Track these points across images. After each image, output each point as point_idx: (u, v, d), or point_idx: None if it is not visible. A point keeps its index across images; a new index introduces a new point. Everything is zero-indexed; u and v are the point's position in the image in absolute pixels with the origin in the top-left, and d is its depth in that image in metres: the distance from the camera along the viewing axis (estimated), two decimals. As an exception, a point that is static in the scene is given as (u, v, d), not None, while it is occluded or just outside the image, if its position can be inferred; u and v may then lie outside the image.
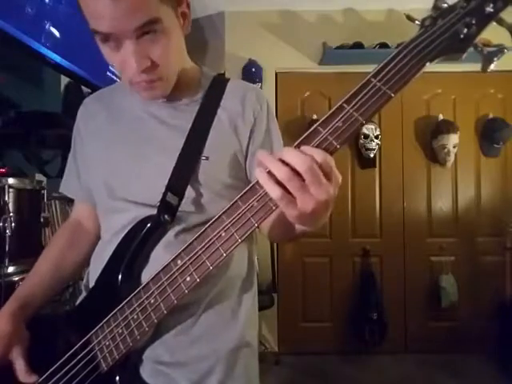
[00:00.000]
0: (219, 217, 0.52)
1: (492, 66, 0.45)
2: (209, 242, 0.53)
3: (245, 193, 0.50)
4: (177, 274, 0.55)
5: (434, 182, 2.86)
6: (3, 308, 0.71)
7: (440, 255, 2.80)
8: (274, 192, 0.44)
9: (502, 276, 2.70)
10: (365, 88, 0.44)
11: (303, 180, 0.43)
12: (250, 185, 0.50)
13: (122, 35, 0.58)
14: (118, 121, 0.75)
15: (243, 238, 0.51)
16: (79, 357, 0.63)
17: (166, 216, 0.65)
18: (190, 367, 0.67)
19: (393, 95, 0.44)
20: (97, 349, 0.62)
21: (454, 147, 2.70)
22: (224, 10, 2.81)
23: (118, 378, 0.62)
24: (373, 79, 0.44)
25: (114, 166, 0.72)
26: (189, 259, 0.54)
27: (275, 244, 2.73)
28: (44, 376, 0.65)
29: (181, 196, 0.66)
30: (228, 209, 0.51)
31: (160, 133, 0.71)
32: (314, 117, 2.73)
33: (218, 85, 0.76)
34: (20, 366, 0.66)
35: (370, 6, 2.76)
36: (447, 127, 2.69)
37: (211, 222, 0.53)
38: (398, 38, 2.66)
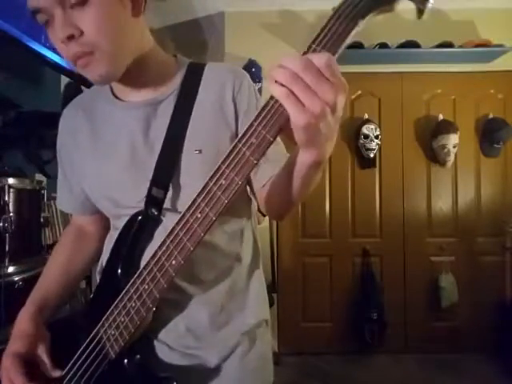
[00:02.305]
0: (194, 199, 0.55)
1: (425, 12, 0.45)
2: (187, 224, 0.56)
3: (214, 172, 0.53)
4: (163, 258, 0.58)
5: (434, 182, 2.86)
6: (22, 312, 0.74)
7: (440, 255, 2.80)
8: (278, 91, 0.44)
9: (502, 276, 2.70)
10: (307, 53, 0.46)
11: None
12: (217, 165, 0.53)
13: (51, 7, 0.58)
14: (102, 131, 0.74)
15: (217, 216, 0.53)
16: (91, 347, 0.67)
17: (153, 210, 0.67)
18: (216, 346, 0.72)
19: (332, 56, 0.45)
20: (104, 338, 0.66)
21: (454, 147, 2.70)
22: (224, 10, 2.81)
23: (126, 361, 0.65)
24: (312, 44, 0.46)
25: (110, 181, 0.72)
26: (172, 243, 0.57)
27: (275, 244, 2.73)
28: (65, 370, 0.69)
29: (165, 189, 0.67)
30: (201, 191, 0.54)
31: (145, 135, 0.70)
32: (314, 117, 2.72)
33: (194, 72, 0.74)
34: (46, 362, 0.70)
35: (370, 6, 2.76)
36: (447, 127, 2.69)
37: (188, 204, 0.55)
38: (398, 37, 2.66)
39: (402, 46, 2.62)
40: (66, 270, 0.83)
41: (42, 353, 0.70)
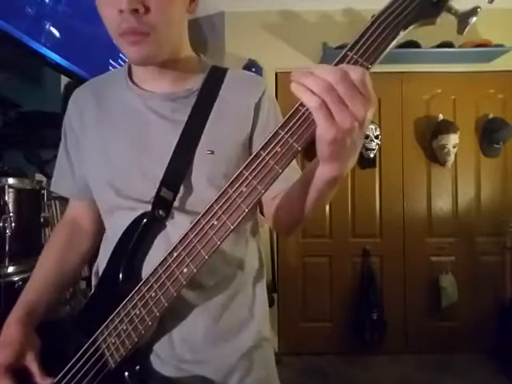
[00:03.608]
0: (210, 206, 0.52)
1: (467, 29, 0.44)
2: (202, 231, 0.53)
3: (234, 179, 0.50)
4: (173, 266, 0.56)
5: (434, 182, 2.85)
6: (11, 316, 0.70)
7: (440, 255, 2.80)
8: (312, 101, 0.42)
9: (502, 276, 2.70)
10: (342, 62, 0.45)
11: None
12: (239, 170, 0.50)
13: None
14: (114, 115, 0.72)
15: (235, 225, 0.51)
16: (88, 355, 0.64)
17: (160, 211, 0.65)
18: (212, 365, 0.68)
19: (370, 67, 0.44)
20: (104, 346, 0.63)
21: (454, 147, 2.70)
22: (224, 10, 2.81)
23: (126, 373, 0.63)
24: (349, 52, 0.45)
25: (115, 166, 0.70)
26: (184, 250, 0.55)
27: (275, 244, 2.73)
28: (58, 377, 0.66)
29: (175, 191, 0.65)
30: (218, 197, 0.52)
31: (161, 128, 0.69)
32: (314, 117, 2.73)
33: (217, 75, 0.74)
34: (35, 369, 0.66)
35: (370, 6, 2.76)
36: (447, 127, 2.69)
37: (203, 211, 0.53)
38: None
39: (402, 45, 2.62)
40: (59, 267, 0.78)
41: (31, 361, 0.67)
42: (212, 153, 0.67)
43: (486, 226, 2.81)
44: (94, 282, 0.78)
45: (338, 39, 2.71)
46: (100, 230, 0.81)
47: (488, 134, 2.76)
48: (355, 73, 0.42)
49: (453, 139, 2.68)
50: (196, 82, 0.72)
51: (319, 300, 2.84)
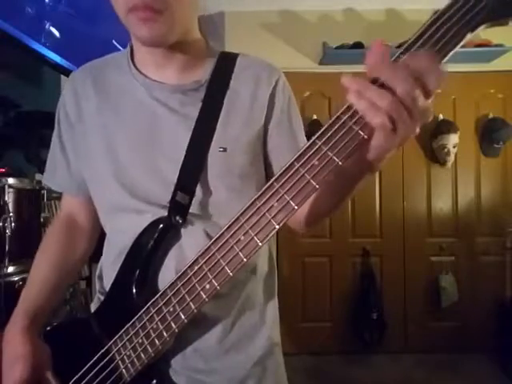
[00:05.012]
0: (237, 218, 0.48)
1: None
2: (227, 246, 0.49)
3: (263, 191, 0.46)
4: (194, 281, 0.52)
5: (434, 182, 2.85)
6: (12, 328, 0.65)
7: (440, 255, 2.80)
8: (380, 120, 0.37)
9: (502, 276, 2.70)
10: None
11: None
12: (269, 182, 0.46)
13: None
14: (116, 103, 0.67)
15: (265, 242, 0.46)
16: (100, 366, 0.61)
17: (177, 217, 0.61)
18: (225, 374, 0.66)
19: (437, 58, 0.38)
20: (118, 358, 0.60)
21: (454, 147, 2.70)
22: (224, 10, 2.81)
23: None
24: (402, 55, 0.39)
25: (122, 160, 0.64)
26: (206, 265, 0.51)
27: (275, 244, 2.73)
28: None
29: (191, 194, 0.61)
30: (245, 210, 0.47)
31: (171, 123, 0.64)
32: (314, 117, 2.73)
33: (226, 63, 0.69)
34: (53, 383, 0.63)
35: (370, 6, 2.76)
36: (447, 127, 2.69)
37: (229, 223, 0.49)
38: (398, 37, 2.65)
39: (402, 45, 2.62)
40: (58, 268, 0.72)
41: (50, 375, 0.62)
42: (224, 150, 0.63)
43: (486, 226, 2.81)
44: (97, 286, 0.74)
45: (338, 39, 2.71)
46: (97, 229, 0.77)
47: (488, 134, 2.76)
48: (432, 74, 0.36)
49: (453, 139, 2.68)
50: (204, 73, 0.67)
51: (319, 300, 2.84)
